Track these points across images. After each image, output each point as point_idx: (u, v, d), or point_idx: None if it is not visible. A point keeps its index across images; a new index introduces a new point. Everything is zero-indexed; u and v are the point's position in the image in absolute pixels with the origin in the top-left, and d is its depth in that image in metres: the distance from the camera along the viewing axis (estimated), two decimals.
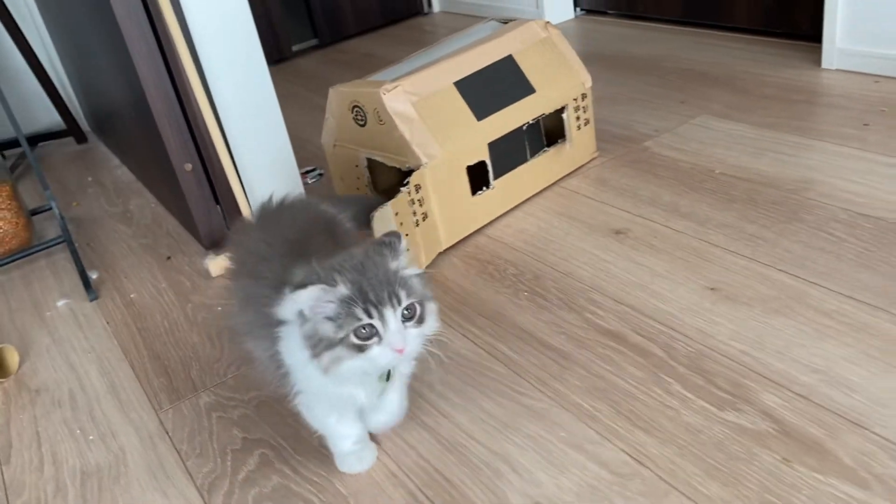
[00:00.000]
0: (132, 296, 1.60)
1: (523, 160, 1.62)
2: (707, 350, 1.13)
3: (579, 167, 1.74)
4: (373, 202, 1.37)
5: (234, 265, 1.07)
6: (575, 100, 1.66)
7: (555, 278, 1.37)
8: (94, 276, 1.72)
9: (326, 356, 0.82)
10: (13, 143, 2.57)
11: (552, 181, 1.70)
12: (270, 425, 1.16)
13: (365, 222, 1.30)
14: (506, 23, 1.72)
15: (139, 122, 1.75)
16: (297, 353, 0.86)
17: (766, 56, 2.14)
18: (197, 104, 1.50)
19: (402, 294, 0.82)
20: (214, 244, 1.70)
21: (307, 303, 0.81)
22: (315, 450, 1.09)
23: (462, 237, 1.56)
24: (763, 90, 1.94)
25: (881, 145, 1.57)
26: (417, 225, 1.45)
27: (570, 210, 1.59)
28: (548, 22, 1.68)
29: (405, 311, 0.82)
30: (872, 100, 1.76)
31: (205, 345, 1.39)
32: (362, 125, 1.52)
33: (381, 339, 0.81)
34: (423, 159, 1.43)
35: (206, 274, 1.62)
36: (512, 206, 1.63)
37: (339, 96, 1.55)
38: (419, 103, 1.46)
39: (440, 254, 1.52)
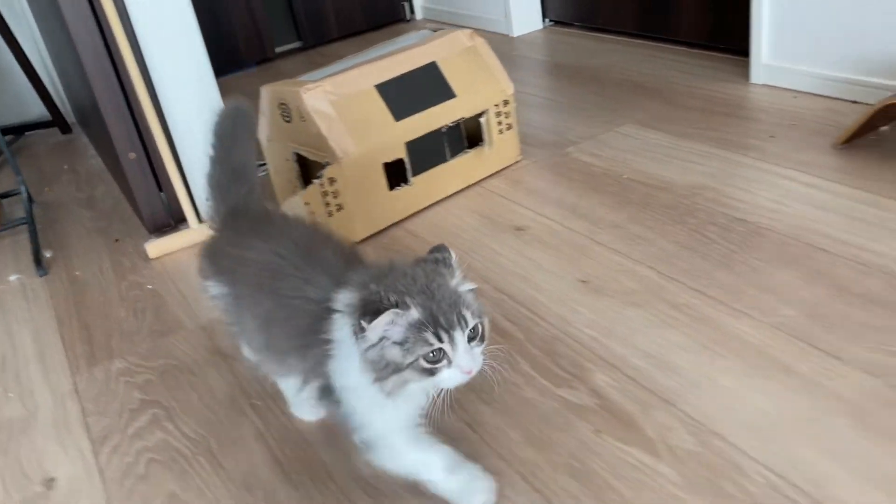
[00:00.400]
0: (77, 273, 1.74)
1: (442, 160, 1.73)
2: (561, 335, 1.23)
3: (502, 169, 1.85)
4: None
5: (240, 280, 1.00)
6: (496, 105, 1.77)
7: None
8: (48, 254, 1.85)
9: (392, 380, 0.81)
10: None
11: (474, 181, 1.81)
12: (168, 389, 1.28)
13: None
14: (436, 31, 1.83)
15: (96, 114, 1.88)
16: (352, 373, 0.84)
17: (703, 69, 2.23)
18: (138, 98, 1.63)
19: (468, 315, 0.81)
20: (157, 228, 1.83)
21: (381, 329, 0.79)
22: (199, 412, 1.21)
23: (380, 229, 1.67)
24: (690, 102, 2.03)
25: (778, 156, 1.66)
26: (331, 215, 1.57)
27: (483, 208, 1.69)
28: (473, 32, 1.79)
29: (470, 332, 0.81)
30: (785, 114, 1.85)
31: (129, 319, 1.51)
32: (288, 121, 1.64)
33: (450, 362, 0.80)
34: (339, 154, 1.55)
35: (145, 256, 1.74)
36: (431, 202, 1.74)
37: (268, 94, 1.67)
38: (338, 102, 1.58)
39: (355, 244, 1.64)
